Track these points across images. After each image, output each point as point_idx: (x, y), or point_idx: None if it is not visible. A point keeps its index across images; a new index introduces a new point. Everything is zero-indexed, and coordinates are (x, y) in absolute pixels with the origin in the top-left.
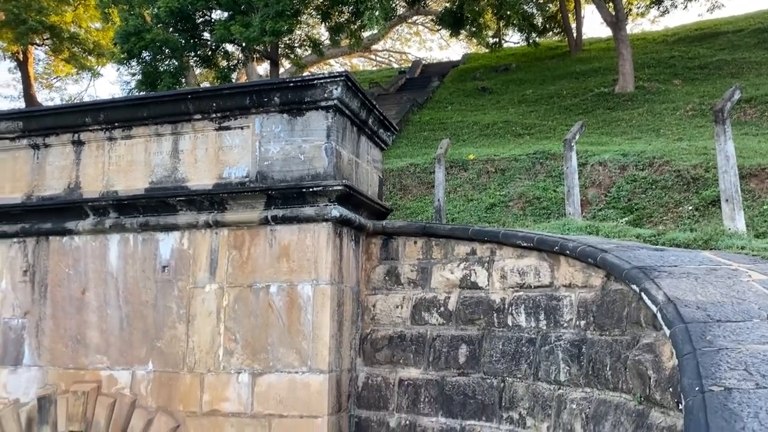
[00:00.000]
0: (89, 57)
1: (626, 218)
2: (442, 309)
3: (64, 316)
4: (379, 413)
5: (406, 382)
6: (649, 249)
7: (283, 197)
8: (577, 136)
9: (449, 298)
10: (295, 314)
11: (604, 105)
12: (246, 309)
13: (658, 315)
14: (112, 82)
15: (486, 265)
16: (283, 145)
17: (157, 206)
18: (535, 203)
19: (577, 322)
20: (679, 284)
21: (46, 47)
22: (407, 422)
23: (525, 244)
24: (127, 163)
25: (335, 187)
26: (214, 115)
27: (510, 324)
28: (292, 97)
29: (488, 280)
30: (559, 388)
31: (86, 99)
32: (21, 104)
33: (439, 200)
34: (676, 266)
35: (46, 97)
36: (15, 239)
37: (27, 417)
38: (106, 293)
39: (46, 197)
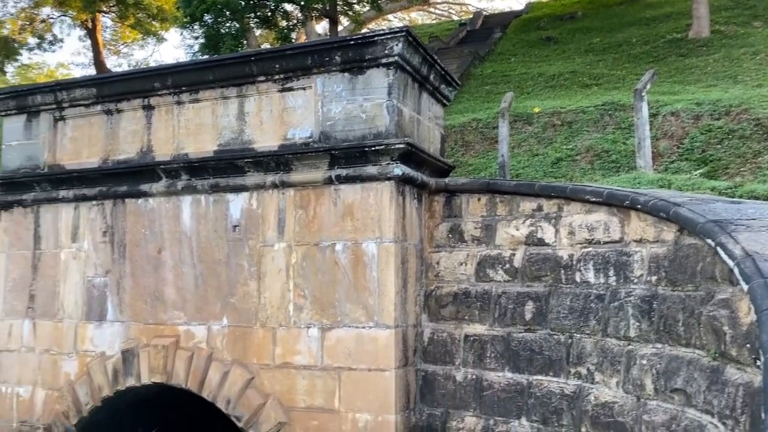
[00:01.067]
0: (153, 22)
1: (700, 170)
2: (507, 266)
3: (143, 274)
4: (445, 368)
5: (471, 338)
6: (725, 202)
7: (346, 157)
8: (648, 86)
9: (515, 254)
10: (360, 271)
11: (677, 52)
12: (313, 266)
13: (735, 270)
14: (175, 46)
15: (553, 221)
16: (345, 104)
17: (226, 168)
18: (604, 157)
19: (648, 278)
20: (758, 238)
21: (113, 14)
22: (473, 377)
23: (594, 199)
24: (196, 127)
25: (397, 146)
26: (277, 77)
27: (578, 280)
28: (353, 56)
29: (555, 237)
30: (629, 344)
31: (152, 64)
32: (92, 71)
33: (503, 156)
34: (754, 219)
35: (114, 64)
36: (94, 202)
37: (113, 369)
38: (181, 252)
39: (121, 161)
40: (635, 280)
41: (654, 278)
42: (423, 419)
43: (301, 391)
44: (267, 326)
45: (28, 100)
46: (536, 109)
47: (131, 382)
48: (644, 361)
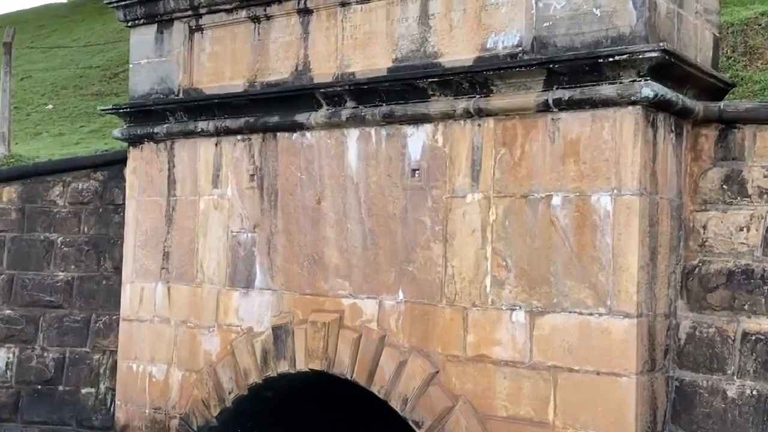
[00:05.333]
0: None
1: None
2: None
3: (298, 230)
4: (711, 377)
5: (754, 337)
6: None
7: (570, 72)
8: None
9: None
10: (587, 235)
11: None
12: (520, 227)
13: None
14: None
15: None
16: None
17: (402, 91)
18: None
19: None
20: None
21: None
22: (754, 392)
23: None
24: (365, 36)
25: (648, 55)
26: None
27: None
28: None
29: None
30: None
31: None
32: None
33: None
34: None
35: None
36: (239, 137)
37: (262, 349)
38: (346, 203)
39: (271, 83)
40: None
41: None
42: None
43: (501, 394)
44: (455, 305)
45: (159, 6)
46: None
47: (284, 367)
48: None
